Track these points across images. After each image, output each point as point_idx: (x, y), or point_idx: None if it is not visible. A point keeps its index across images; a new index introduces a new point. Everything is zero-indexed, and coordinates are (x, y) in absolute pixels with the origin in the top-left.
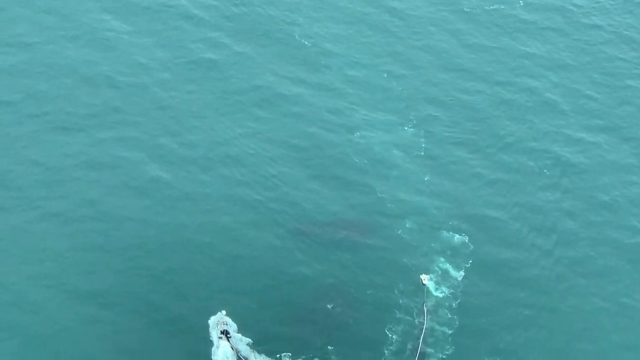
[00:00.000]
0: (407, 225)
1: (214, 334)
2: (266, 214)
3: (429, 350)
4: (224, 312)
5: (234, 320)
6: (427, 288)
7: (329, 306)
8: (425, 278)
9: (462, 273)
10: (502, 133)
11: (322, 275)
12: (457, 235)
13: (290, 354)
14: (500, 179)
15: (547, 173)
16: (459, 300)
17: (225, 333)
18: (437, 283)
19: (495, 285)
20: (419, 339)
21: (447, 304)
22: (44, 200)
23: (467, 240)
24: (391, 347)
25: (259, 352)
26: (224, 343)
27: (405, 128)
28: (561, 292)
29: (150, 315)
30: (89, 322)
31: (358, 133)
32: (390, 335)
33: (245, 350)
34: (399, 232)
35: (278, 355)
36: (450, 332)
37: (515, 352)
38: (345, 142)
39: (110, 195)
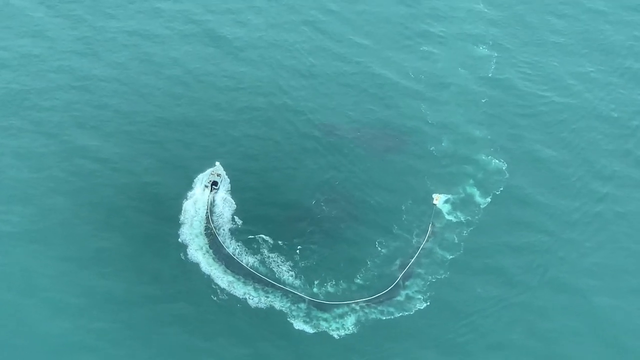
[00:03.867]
0: (442, 144)
1: (203, 181)
2: (298, 101)
3: (419, 270)
4: (218, 163)
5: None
6: (438, 209)
7: (324, 206)
8: (437, 198)
9: (488, 200)
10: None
11: (331, 173)
12: (496, 161)
13: (266, 236)
14: (564, 117)
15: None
16: (472, 228)
17: (213, 184)
18: (454, 206)
19: (518, 220)
20: (412, 257)
21: (458, 229)
22: (71, 59)
23: (504, 168)
24: (376, 260)
25: (237, 225)
26: (206, 192)
27: (480, 47)
28: (593, 245)
29: (153, 156)
30: (95, 158)
31: (425, 46)
32: (379, 248)
33: (221, 208)
34: (432, 148)
35: (254, 234)
36: (450, 257)
37: (513, 290)
38: (408, 51)
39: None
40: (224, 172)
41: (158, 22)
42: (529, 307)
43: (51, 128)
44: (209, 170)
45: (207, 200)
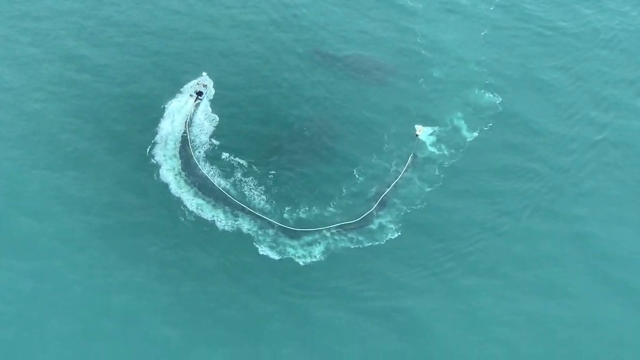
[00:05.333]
0: (434, 75)
1: (189, 91)
2: (293, 20)
3: (395, 200)
4: (205, 74)
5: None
6: (421, 141)
7: (305, 131)
8: (420, 129)
9: (475, 134)
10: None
11: (316, 97)
12: (489, 94)
13: (242, 159)
14: (570, 47)
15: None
16: (454, 160)
17: (198, 94)
18: (439, 138)
19: (507, 156)
20: (389, 186)
21: (440, 161)
22: None
23: (498, 102)
24: (352, 187)
25: (214, 145)
26: (190, 101)
27: None
28: (586, 175)
29: (141, 67)
30: (84, 68)
31: None
32: (357, 176)
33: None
34: (421, 80)
35: (229, 156)
36: (428, 189)
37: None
38: None
39: None
40: (211, 84)
41: None
42: (512, 236)
43: (42, 38)
44: (194, 81)
45: (189, 110)
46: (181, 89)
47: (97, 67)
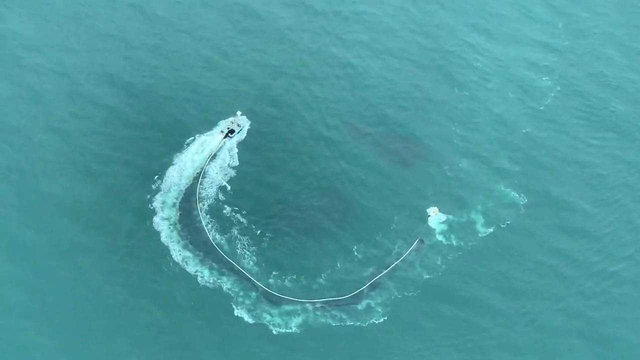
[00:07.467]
0: (460, 165)
1: (223, 127)
2: (330, 91)
3: (389, 283)
4: (239, 112)
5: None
6: (431, 228)
7: (315, 199)
8: (434, 211)
9: (489, 230)
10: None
11: (334, 168)
12: (514, 194)
13: (242, 217)
14: (614, 170)
15: None
16: (461, 253)
17: (229, 132)
18: (450, 228)
19: (517, 259)
20: (386, 268)
21: (445, 251)
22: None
23: (522, 203)
24: (348, 263)
25: (218, 199)
26: (218, 137)
27: (543, 77)
28: (599, 302)
29: (180, 97)
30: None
31: (479, 63)
32: (355, 253)
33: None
34: (445, 167)
35: (231, 211)
36: (427, 276)
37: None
38: (460, 65)
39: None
40: (247, 124)
41: None
42: (500, 349)
43: (86, 59)
44: (230, 119)
45: (216, 146)
46: (213, 126)
47: (132, 95)
